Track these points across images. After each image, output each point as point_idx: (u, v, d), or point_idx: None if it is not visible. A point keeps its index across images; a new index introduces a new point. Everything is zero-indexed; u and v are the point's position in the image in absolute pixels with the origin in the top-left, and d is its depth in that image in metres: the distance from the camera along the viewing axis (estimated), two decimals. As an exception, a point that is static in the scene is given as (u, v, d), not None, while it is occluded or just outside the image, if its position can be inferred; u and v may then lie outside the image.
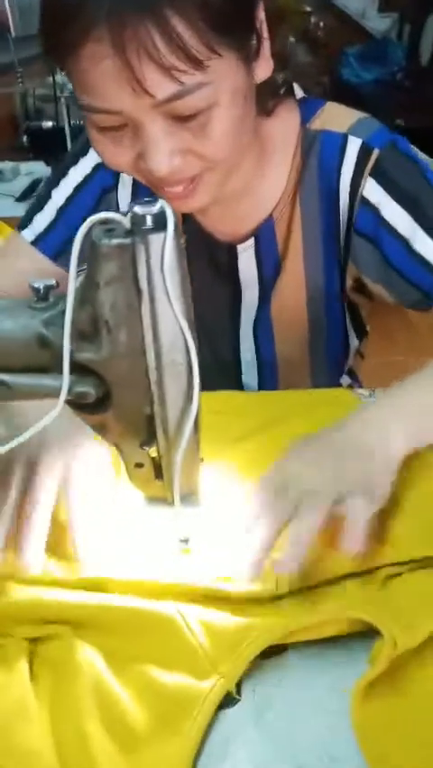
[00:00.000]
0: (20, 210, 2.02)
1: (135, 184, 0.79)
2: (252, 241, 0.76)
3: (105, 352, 0.42)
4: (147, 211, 0.38)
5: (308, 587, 0.49)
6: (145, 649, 0.45)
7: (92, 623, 0.46)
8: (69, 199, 0.81)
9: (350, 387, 0.92)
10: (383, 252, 0.71)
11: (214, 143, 0.58)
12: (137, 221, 0.39)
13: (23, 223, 0.83)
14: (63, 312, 0.42)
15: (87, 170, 0.80)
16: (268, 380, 0.87)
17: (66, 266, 0.75)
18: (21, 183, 2.18)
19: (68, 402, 0.43)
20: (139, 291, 0.40)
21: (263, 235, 0.76)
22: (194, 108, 0.55)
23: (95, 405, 0.44)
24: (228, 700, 0.44)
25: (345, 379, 0.95)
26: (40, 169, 2.23)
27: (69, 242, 0.81)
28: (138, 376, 0.43)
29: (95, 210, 0.80)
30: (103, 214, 0.39)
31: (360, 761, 0.40)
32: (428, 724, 0.42)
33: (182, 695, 0.43)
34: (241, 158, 0.65)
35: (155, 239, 0.38)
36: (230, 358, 0.86)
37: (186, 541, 0.52)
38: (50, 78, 1.93)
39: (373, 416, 0.59)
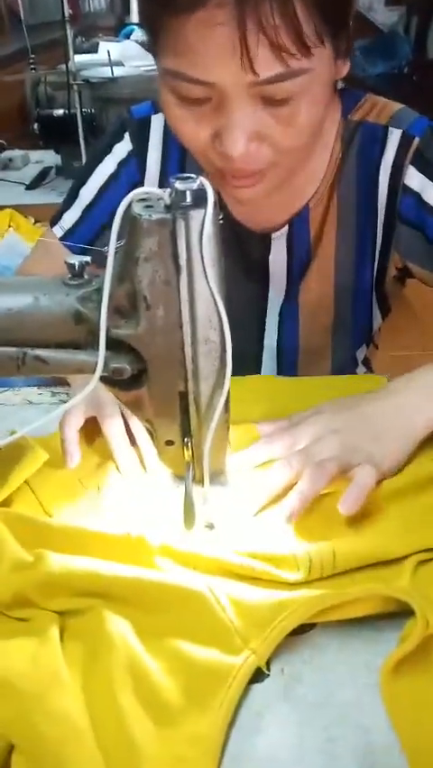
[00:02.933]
0: (30, 198, 2.02)
1: (162, 178, 0.80)
2: (285, 229, 0.76)
3: (142, 328, 0.42)
4: (187, 187, 0.39)
5: (338, 573, 0.50)
6: (176, 624, 0.46)
7: (123, 596, 0.47)
8: (96, 198, 0.82)
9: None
10: (430, 237, 0.71)
11: (295, 131, 0.58)
12: (177, 197, 0.39)
13: (55, 218, 0.86)
14: (98, 289, 0.42)
15: (113, 168, 0.81)
16: (287, 368, 0.87)
17: (96, 262, 0.78)
18: (31, 171, 2.17)
19: (102, 378, 0.44)
20: (177, 267, 0.40)
21: (297, 225, 0.76)
22: (288, 93, 0.55)
23: (129, 381, 0.44)
24: (258, 676, 0.44)
25: (361, 369, 0.95)
26: (50, 157, 2.22)
27: (96, 238, 0.83)
28: (174, 352, 0.43)
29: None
30: (144, 189, 0.39)
31: (391, 733, 0.41)
32: None
33: (213, 669, 0.43)
34: (307, 152, 0.65)
35: (195, 215, 0.39)
36: (253, 346, 0.86)
37: (211, 526, 0.53)
38: (63, 66, 1.93)
39: (400, 395, 0.61)
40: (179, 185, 0.39)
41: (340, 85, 0.72)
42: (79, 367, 0.43)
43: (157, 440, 0.49)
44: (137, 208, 0.39)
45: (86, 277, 0.44)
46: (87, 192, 0.82)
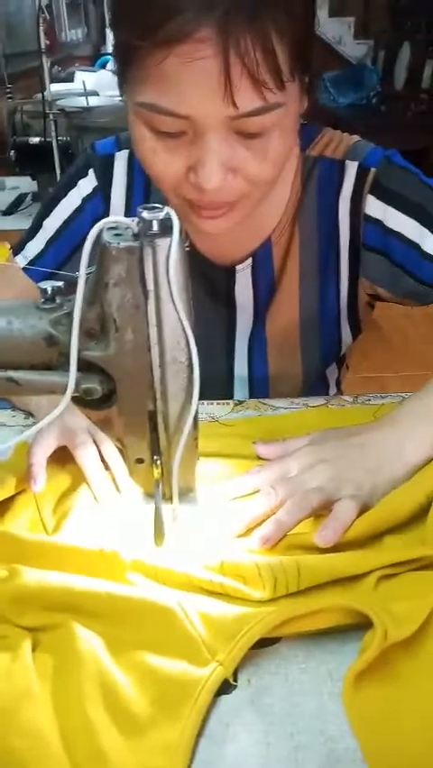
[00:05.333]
0: (6, 224, 2.05)
1: (127, 213, 0.82)
2: (249, 262, 0.79)
3: (111, 350, 0.44)
4: (154, 216, 0.41)
5: (303, 590, 0.51)
6: (146, 637, 0.47)
7: (95, 610, 0.48)
8: (60, 230, 0.83)
9: (335, 395, 0.95)
10: (395, 260, 0.74)
11: (268, 164, 0.60)
12: (144, 226, 0.41)
13: (18, 248, 0.86)
14: (70, 313, 0.44)
15: (78, 202, 0.82)
16: (259, 395, 0.89)
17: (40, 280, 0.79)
18: (7, 197, 2.20)
19: (73, 398, 0.45)
20: (145, 292, 0.42)
21: (261, 258, 0.79)
22: (262, 127, 0.56)
23: (100, 400, 0.46)
24: (225, 688, 0.45)
25: (333, 390, 0.98)
26: (26, 183, 2.26)
27: (59, 269, 0.84)
28: (142, 372, 0.45)
29: (85, 241, 0.83)
30: (112, 218, 0.41)
31: (353, 741, 0.42)
32: (416, 712, 0.44)
33: (181, 681, 0.44)
34: (275, 184, 0.66)
35: (162, 243, 0.41)
36: (223, 374, 0.88)
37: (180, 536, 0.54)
38: (39, 95, 1.97)
39: (392, 425, 0.62)
40: (146, 214, 0.41)
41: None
42: (51, 387, 0.45)
43: (127, 458, 0.50)
44: (106, 236, 0.41)
45: (57, 301, 0.46)
46: (51, 224, 0.83)
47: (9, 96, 2.29)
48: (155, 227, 0.41)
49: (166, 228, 0.41)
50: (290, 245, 0.78)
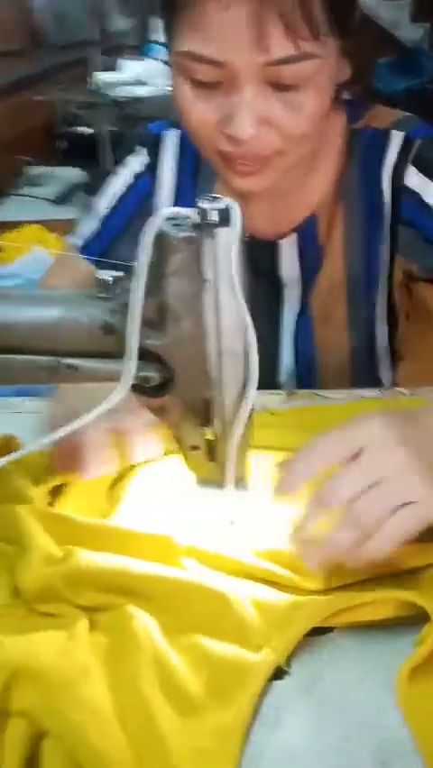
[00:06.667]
0: (57, 214, 2.08)
1: (177, 193, 0.83)
2: (294, 237, 0.79)
3: (169, 339, 0.44)
4: (213, 207, 0.41)
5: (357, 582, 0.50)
6: (199, 621, 0.47)
7: (149, 593, 0.49)
8: (111, 209, 0.86)
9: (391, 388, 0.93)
10: (428, 237, 0.73)
11: (301, 119, 0.60)
12: (203, 216, 0.41)
13: (75, 230, 0.89)
14: (127, 302, 0.45)
15: (128, 181, 0.85)
16: (306, 380, 0.89)
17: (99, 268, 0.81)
18: (57, 188, 2.23)
19: (132, 386, 0.46)
20: (204, 281, 0.42)
21: (305, 232, 0.78)
22: (296, 78, 0.58)
23: (156, 388, 0.47)
24: (278, 674, 0.46)
25: (386, 377, 0.96)
26: (75, 174, 2.28)
27: (111, 247, 0.86)
28: (199, 362, 0.45)
29: (135, 217, 0.85)
30: (173, 209, 0.42)
31: (406, 732, 0.42)
32: None
33: (235, 666, 0.45)
34: (310, 148, 0.67)
35: (222, 233, 0.41)
36: (269, 359, 0.88)
37: (233, 523, 0.55)
38: (89, 85, 1.99)
39: None
40: (205, 204, 0.41)
41: (346, 96, 0.75)
42: (108, 375, 0.46)
43: (182, 445, 0.51)
44: (165, 226, 0.42)
45: (116, 291, 0.46)
46: (103, 203, 0.86)
47: (60, 87, 2.32)
48: (214, 217, 0.41)
49: (225, 218, 0.41)
50: (333, 219, 0.77)
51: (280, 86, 0.58)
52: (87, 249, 0.87)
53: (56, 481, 0.60)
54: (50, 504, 0.60)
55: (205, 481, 0.54)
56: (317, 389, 0.80)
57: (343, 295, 0.81)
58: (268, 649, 0.46)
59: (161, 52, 3.34)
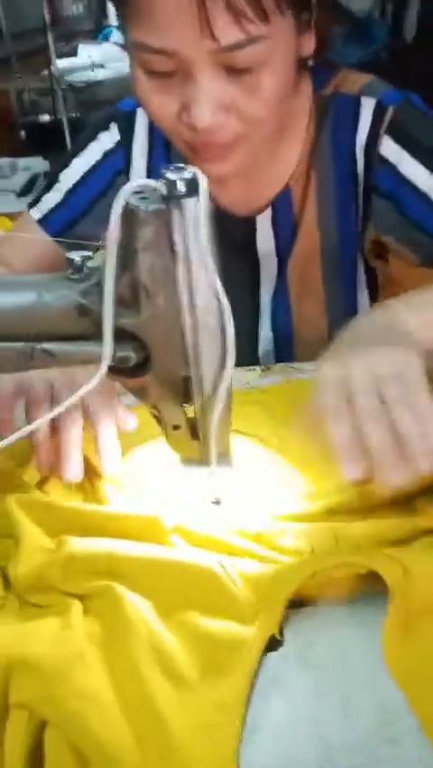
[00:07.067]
0: (20, 205, 2.04)
1: (148, 168, 0.81)
2: (269, 211, 0.78)
3: (144, 316, 0.44)
4: (179, 176, 0.40)
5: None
6: (190, 599, 0.47)
7: (140, 574, 0.48)
8: (78, 183, 0.84)
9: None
10: (404, 210, 0.72)
11: (260, 102, 0.60)
12: (170, 187, 0.40)
13: (33, 202, 0.86)
14: (99, 282, 0.44)
15: (98, 156, 0.83)
16: (285, 354, 0.89)
17: (65, 247, 0.80)
18: (20, 179, 2.19)
19: (108, 367, 0.45)
20: (174, 255, 0.42)
21: (280, 205, 0.78)
22: (249, 61, 0.57)
23: (134, 368, 0.46)
24: (273, 645, 0.46)
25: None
26: (38, 163, 2.24)
27: (73, 223, 0.84)
28: (175, 338, 0.45)
29: (104, 193, 0.83)
30: (139, 181, 0.41)
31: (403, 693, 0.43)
32: None
33: (229, 640, 0.45)
34: (275, 126, 0.66)
35: (189, 203, 0.40)
36: (248, 333, 0.88)
37: (218, 502, 0.55)
38: (45, 72, 1.95)
39: (390, 311, 0.58)
40: (171, 175, 0.40)
41: (310, 63, 0.74)
42: (86, 358, 0.45)
43: (164, 425, 0.50)
44: (133, 200, 0.41)
45: (85, 271, 0.45)
46: (69, 177, 0.83)
47: (17, 75, 2.27)
48: (181, 187, 0.40)
49: (192, 188, 0.40)
50: (307, 189, 0.77)
51: (234, 71, 0.57)
52: (47, 222, 0.84)
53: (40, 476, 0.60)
54: (41, 484, 0.59)
55: (189, 461, 0.54)
56: (294, 363, 0.80)
57: (318, 267, 0.81)
58: (259, 621, 0.46)
59: (117, 36, 3.29)
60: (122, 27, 0.61)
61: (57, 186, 0.84)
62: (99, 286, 0.44)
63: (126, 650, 0.45)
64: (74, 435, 0.55)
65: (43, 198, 0.85)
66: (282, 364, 0.80)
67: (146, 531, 0.51)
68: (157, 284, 0.43)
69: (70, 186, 0.84)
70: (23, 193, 2.07)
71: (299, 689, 0.44)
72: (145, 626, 0.46)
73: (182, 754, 0.39)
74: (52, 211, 0.84)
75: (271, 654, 0.46)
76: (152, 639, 0.45)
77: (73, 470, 0.55)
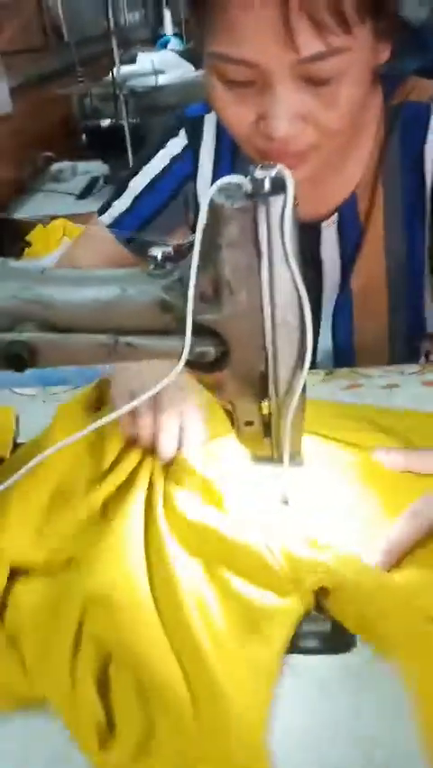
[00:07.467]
0: (80, 208, 2.09)
1: (215, 174, 0.82)
2: (335, 217, 0.78)
3: (225, 313, 0.44)
4: (266, 174, 0.41)
5: None
6: (237, 571, 0.51)
7: (200, 540, 0.54)
8: (147, 189, 0.85)
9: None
10: None
11: (337, 113, 0.59)
12: (256, 184, 0.41)
13: (103, 208, 0.89)
14: (181, 278, 0.45)
15: (166, 162, 0.84)
16: (343, 362, 0.88)
17: (135, 252, 0.81)
18: (80, 182, 2.24)
19: (187, 362, 0.46)
20: (259, 252, 0.42)
21: (346, 213, 0.77)
22: (329, 73, 0.56)
23: (212, 364, 0.46)
24: (345, 645, 0.46)
25: (423, 361, 0.95)
26: (98, 167, 2.29)
27: (143, 227, 0.86)
28: (255, 335, 0.45)
29: (172, 199, 0.85)
30: (226, 178, 0.41)
31: None
32: None
33: (267, 607, 0.48)
34: (349, 135, 0.66)
35: (275, 201, 0.41)
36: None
37: (286, 502, 0.55)
38: (108, 78, 1.98)
39: None
40: (258, 173, 0.41)
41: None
42: (166, 352, 0.46)
43: (237, 420, 0.51)
44: (218, 197, 0.41)
45: (167, 267, 0.46)
46: (138, 183, 0.86)
47: (80, 80, 2.32)
48: (267, 185, 0.41)
49: (278, 186, 0.41)
50: (374, 198, 0.76)
51: (313, 82, 0.57)
52: (116, 227, 0.86)
53: None
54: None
55: (259, 458, 0.54)
56: (359, 368, 0.80)
57: (383, 278, 0.80)
58: (298, 594, 0.48)
59: (175, 43, 3.34)
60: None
61: (126, 192, 0.86)
62: (181, 282, 0.44)
63: (176, 601, 0.49)
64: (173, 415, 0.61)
65: (113, 204, 0.87)
66: (348, 369, 0.79)
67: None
68: (240, 281, 0.43)
69: (138, 192, 0.86)
70: (82, 196, 2.11)
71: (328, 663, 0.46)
72: (194, 589, 0.49)
73: (227, 702, 0.42)
74: (122, 217, 0.86)
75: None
76: (197, 594, 0.49)
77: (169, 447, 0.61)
